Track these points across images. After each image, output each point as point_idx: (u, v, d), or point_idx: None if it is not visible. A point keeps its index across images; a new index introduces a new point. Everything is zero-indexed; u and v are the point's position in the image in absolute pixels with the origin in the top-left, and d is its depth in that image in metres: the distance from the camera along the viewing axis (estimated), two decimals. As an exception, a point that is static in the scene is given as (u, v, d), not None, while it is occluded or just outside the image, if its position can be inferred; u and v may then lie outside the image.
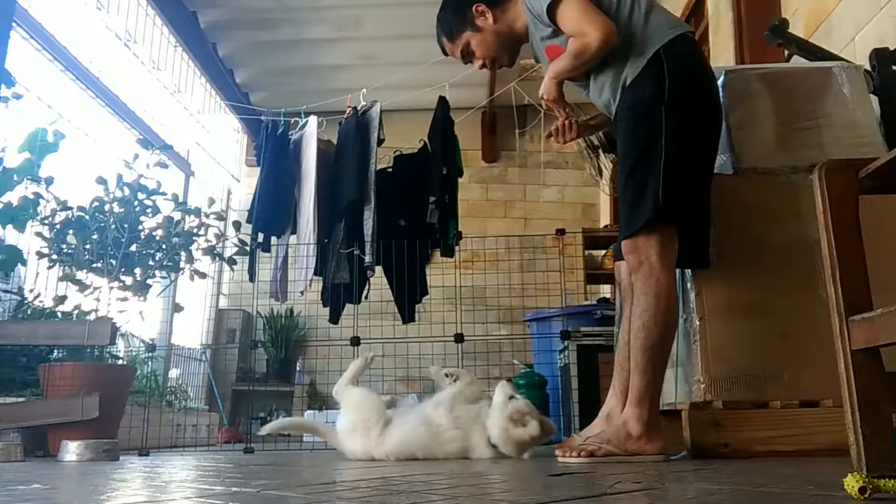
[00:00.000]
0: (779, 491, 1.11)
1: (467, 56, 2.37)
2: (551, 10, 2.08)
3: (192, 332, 6.31)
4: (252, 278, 4.21)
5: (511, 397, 2.31)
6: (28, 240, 3.48)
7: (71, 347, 3.45)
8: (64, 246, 3.34)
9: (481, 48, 2.32)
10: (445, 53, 2.43)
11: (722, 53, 4.12)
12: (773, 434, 1.98)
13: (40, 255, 3.38)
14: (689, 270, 2.17)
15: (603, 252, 5.75)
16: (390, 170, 4.29)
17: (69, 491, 1.48)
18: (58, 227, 3.32)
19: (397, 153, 4.32)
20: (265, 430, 2.91)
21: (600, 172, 4.32)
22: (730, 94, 2.27)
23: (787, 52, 2.69)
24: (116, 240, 3.31)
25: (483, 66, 2.37)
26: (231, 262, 3.96)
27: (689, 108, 2.00)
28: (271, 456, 3.13)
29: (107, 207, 3.37)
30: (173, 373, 5.96)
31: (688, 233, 2.05)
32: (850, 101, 2.24)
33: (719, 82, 2.31)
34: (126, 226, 3.33)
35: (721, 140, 2.25)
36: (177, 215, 3.59)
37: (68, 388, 3.03)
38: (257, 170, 4.46)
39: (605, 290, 6.21)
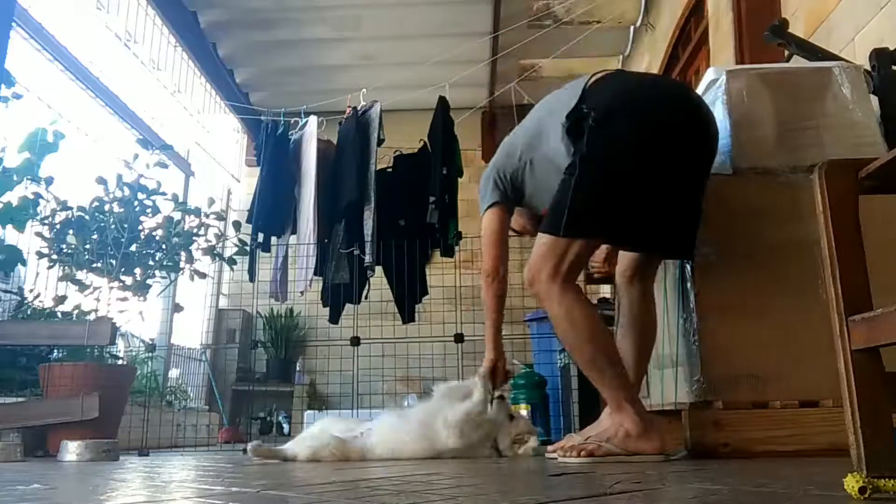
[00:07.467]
0: (779, 491, 1.11)
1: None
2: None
3: (192, 332, 6.31)
4: (252, 278, 4.21)
5: (495, 399, 2.39)
6: (28, 240, 3.48)
7: (71, 347, 3.46)
8: (64, 246, 3.34)
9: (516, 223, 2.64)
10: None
11: (722, 53, 4.11)
12: (773, 434, 1.98)
13: (40, 255, 3.39)
14: (690, 270, 2.17)
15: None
16: (390, 170, 4.29)
17: (69, 491, 1.48)
18: (58, 227, 3.32)
19: (397, 153, 4.32)
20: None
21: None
22: (730, 94, 2.26)
23: (787, 52, 2.68)
24: (116, 240, 3.31)
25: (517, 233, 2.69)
26: (231, 262, 3.96)
27: (625, 126, 1.93)
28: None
29: (107, 207, 3.37)
30: (173, 373, 5.96)
31: (668, 225, 2.00)
32: (850, 101, 2.23)
33: (719, 82, 2.30)
34: (126, 226, 3.33)
35: (721, 140, 2.24)
36: (177, 215, 3.59)
37: (68, 388, 3.04)
38: (257, 170, 4.46)
39: (605, 290, 6.20)
